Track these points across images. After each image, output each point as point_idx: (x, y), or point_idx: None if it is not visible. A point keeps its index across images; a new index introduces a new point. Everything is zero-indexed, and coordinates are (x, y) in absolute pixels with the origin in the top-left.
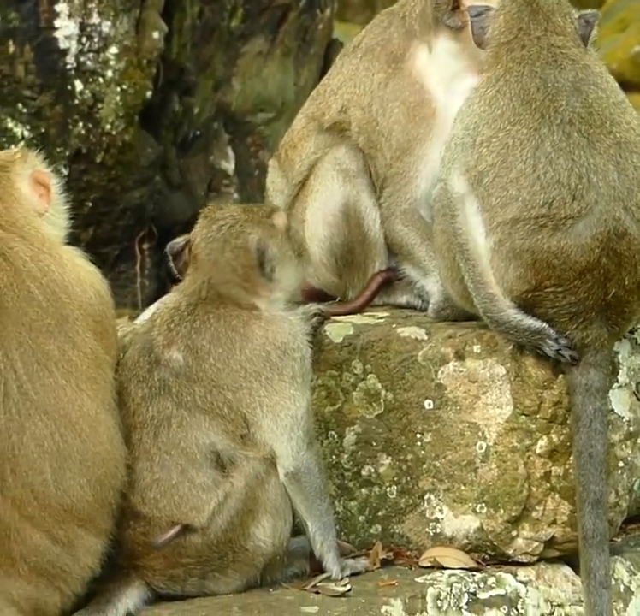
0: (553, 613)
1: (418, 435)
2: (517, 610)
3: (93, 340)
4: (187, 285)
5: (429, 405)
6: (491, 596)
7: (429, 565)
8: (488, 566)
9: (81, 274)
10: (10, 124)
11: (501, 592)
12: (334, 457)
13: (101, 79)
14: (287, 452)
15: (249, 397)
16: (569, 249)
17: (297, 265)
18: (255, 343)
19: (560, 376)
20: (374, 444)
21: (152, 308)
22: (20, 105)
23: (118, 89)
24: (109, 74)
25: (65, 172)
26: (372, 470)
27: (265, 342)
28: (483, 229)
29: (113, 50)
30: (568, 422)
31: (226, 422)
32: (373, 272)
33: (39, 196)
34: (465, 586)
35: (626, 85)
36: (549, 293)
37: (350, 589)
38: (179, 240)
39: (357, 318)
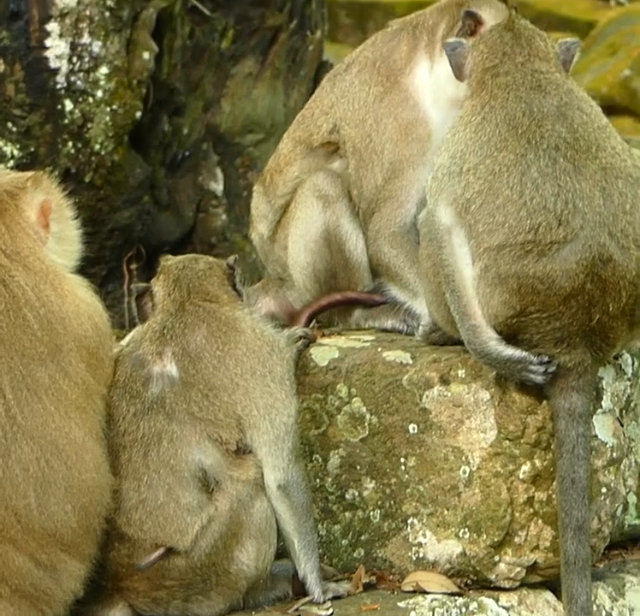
0: None
1: (402, 459)
2: None
3: (85, 371)
4: (164, 305)
5: (414, 429)
6: None
7: (411, 589)
8: (471, 591)
9: (81, 306)
10: (0, 143)
11: None
12: (318, 480)
13: (91, 99)
14: (277, 462)
15: (245, 398)
16: (554, 274)
17: None
18: (247, 335)
19: (545, 401)
20: (358, 468)
21: (129, 336)
22: (9, 124)
23: (108, 109)
24: (100, 93)
25: None
26: (356, 493)
27: (255, 336)
28: (470, 259)
29: (103, 70)
30: (552, 447)
31: (219, 429)
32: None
33: (45, 226)
34: (447, 611)
35: (616, 109)
36: (534, 319)
37: (332, 613)
38: (141, 286)
39: (342, 342)
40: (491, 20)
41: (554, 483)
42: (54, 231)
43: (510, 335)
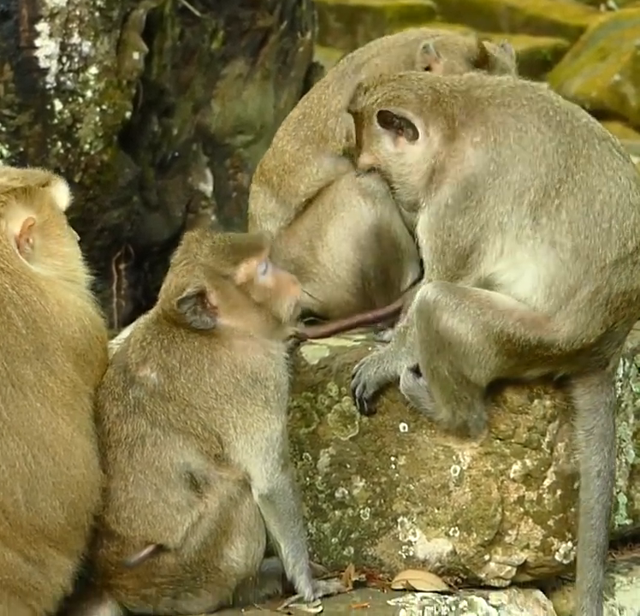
0: None
1: (393, 458)
2: None
3: (73, 370)
4: (154, 309)
5: (404, 428)
6: None
7: (401, 587)
8: (461, 590)
9: (67, 308)
10: None
11: None
12: (308, 478)
13: (80, 99)
14: (261, 474)
15: (221, 417)
16: None
17: (257, 309)
18: (223, 369)
19: (536, 401)
20: (348, 466)
21: (130, 328)
22: None
23: (97, 109)
24: (89, 94)
25: None
26: (346, 492)
27: (234, 370)
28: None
29: (93, 70)
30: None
31: (200, 441)
32: (404, 288)
33: (27, 241)
34: (436, 609)
35: (605, 114)
36: (615, 332)
37: (322, 611)
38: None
39: (333, 341)
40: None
41: (545, 483)
42: (37, 247)
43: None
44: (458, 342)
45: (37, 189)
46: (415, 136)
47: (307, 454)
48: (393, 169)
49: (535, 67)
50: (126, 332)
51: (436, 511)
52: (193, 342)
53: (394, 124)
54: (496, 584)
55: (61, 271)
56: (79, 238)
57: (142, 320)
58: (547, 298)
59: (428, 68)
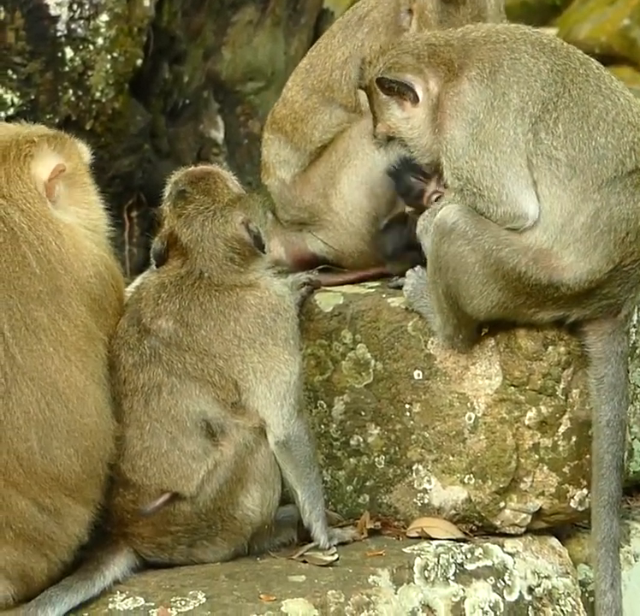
0: (540, 585)
1: (407, 406)
2: (504, 581)
3: (87, 314)
4: (171, 269)
5: (419, 375)
6: (478, 567)
7: (416, 535)
8: (476, 537)
9: (83, 252)
10: (0, 90)
11: (488, 563)
12: (322, 426)
13: (91, 47)
14: (278, 420)
15: (241, 364)
16: None
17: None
18: (250, 312)
19: (550, 347)
20: (363, 414)
21: (138, 280)
22: (9, 72)
23: (108, 57)
24: (100, 41)
25: None
26: (361, 439)
27: (260, 308)
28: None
29: (104, 17)
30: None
31: (217, 389)
32: None
33: (52, 187)
34: (452, 557)
35: (614, 58)
36: (626, 270)
37: (337, 559)
38: (157, 243)
39: (347, 288)
40: None
41: (560, 429)
42: (63, 194)
43: (582, 293)
44: (463, 270)
45: (68, 139)
46: (416, 98)
47: (322, 402)
48: (404, 134)
49: (544, 12)
50: (137, 280)
51: (451, 458)
52: (223, 299)
53: (395, 90)
54: (511, 532)
55: (83, 219)
56: None
57: (152, 278)
58: (545, 228)
59: (410, 10)
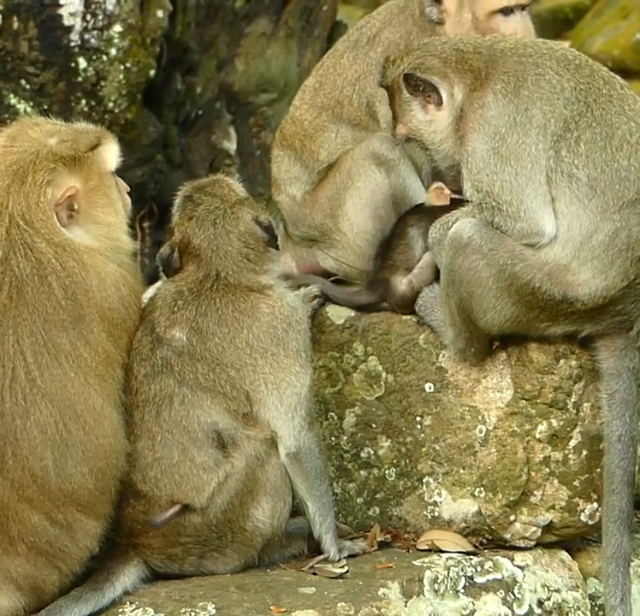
0: (549, 599)
1: (418, 418)
2: (513, 594)
3: (107, 340)
4: (188, 275)
5: (430, 388)
6: (488, 580)
7: (426, 548)
8: (486, 550)
9: (107, 281)
10: (13, 100)
11: (498, 576)
12: (333, 438)
13: (105, 57)
14: (289, 431)
15: (253, 374)
16: None
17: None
18: (262, 321)
19: (562, 361)
20: (374, 426)
21: (151, 291)
22: (23, 81)
23: (122, 67)
24: (113, 51)
25: None
26: (371, 452)
27: (272, 318)
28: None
29: (117, 28)
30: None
31: (228, 400)
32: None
33: (69, 212)
34: (462, 570)
35: (628, 73)
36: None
37: (347, 571)
38: (165, 249)
39: None
40: None
41: (570, 443)
42: (83, 214)
43: (596, 309)
44: (477, 284)
45: (86, 156)
46: (440, 101)
47: (333, 414)
48: (425, 137)
49: (557, 25)
50: (150, 291)
51: (462, 471)
52: (238, 305)
53: (421, 89)
54: (521, 545)
55: (103, 240)
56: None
57: (168, 287)
58: (564, 244)
59: (440, 22)
